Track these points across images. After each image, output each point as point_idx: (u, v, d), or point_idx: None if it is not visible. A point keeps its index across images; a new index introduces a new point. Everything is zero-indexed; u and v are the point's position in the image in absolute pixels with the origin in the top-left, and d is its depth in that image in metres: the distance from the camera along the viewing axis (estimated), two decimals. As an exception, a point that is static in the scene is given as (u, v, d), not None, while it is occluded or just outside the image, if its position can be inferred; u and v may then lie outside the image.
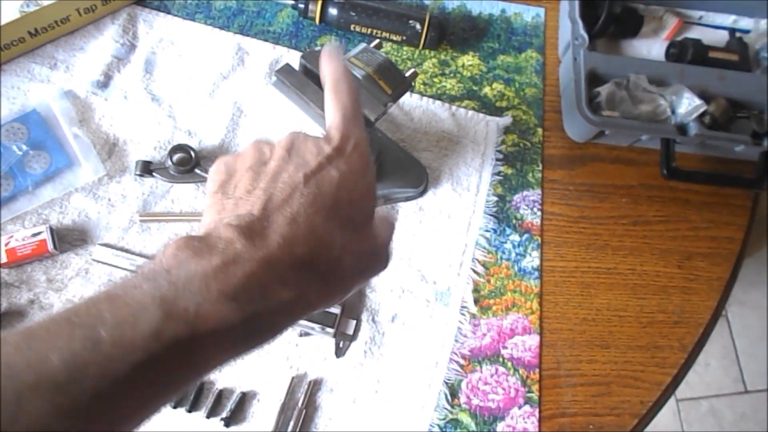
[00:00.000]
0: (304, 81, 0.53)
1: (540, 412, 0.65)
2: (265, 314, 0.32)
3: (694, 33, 0.79)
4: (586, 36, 0.72)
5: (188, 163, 0.68)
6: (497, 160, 0.74)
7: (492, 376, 0.66)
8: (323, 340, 0.65)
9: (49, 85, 0.72)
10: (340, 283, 0.36)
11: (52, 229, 0.64)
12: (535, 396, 0.65)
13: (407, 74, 0.59)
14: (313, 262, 0.33)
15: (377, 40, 0.60)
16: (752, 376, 1.58)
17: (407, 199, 0.71)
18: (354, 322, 0.65)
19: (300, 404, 0.62)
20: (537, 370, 0.66)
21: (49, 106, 0.70)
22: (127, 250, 0.66)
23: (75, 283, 0.65)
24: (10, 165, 0.66)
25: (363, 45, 0.58)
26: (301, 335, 0.64)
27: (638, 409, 0.66)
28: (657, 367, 0.68)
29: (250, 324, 0.31)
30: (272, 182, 0.35)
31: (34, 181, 0.66)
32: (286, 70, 0.54)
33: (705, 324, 0.70)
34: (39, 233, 0.64)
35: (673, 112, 0.71)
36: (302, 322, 0.63)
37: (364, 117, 0.54)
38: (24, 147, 0.67)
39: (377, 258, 0.39)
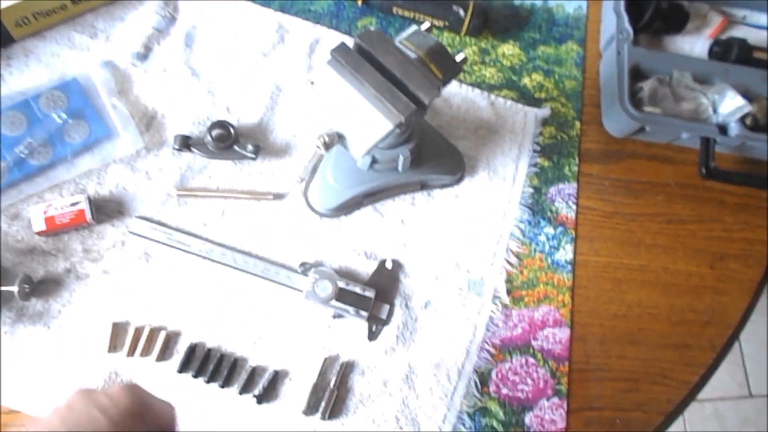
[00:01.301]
0: (359, 60, 0.53)
1: (568, 404, 0.65)
2: None
3: (738, 32, 0.79)
4: (631, 30, 0.72)
5: (227, 140, 0.68)
6: (534, 151, 0.73)
7: (522, 366, 0.66)
8: (356, 323, 0.65)
9: (89, 54, 0.72)
10: None
11: (90, 199, 0.64)
12: (563, 388, 0.65)
13: (457, 59, 0.58)
14: None
15: (428, 24, 0.59)
16: (757, 381, 1.58)
17: (443, 186, 0.71)
18: (387, 306, 0.66)
19: (332, 385, 0.62)
20: (566, 363, 0.66)
21: (89, 76, 0.70)
22: (163, 224, 0.66)
23: (111, 254, 0.65)
24: (50, 133, 0.66)
25: (415, 27, 0.57)
26: (334, 317, 0.65)
27: (665, 407, 0.66)
28: (685, 366, 0.68)
29: None
30: None
31: (73, 150, 0.66)
32: (341, 49, 0.53)
33: (735, 325, 0.70)
34: (77, 203, 0.63)
35: (715, 111, 0.71)
36: (336, 303, 0.63)
37: (418, 100, 0.53)
38: (63, 116, 0.67)
39: None
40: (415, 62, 0.55)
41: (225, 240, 0.67)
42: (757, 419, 1.55)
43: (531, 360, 0.66)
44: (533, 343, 0.67)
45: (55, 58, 0.71)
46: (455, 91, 0.75)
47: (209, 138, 0.67)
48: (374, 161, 0.65)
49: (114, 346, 0.62)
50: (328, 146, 0.55)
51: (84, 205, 0.63)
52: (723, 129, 0.71)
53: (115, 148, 0.68)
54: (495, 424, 0.64)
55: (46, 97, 0.67)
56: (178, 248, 0.65)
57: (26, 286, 0.61)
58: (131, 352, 0.62)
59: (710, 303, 0.70)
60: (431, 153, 0.69)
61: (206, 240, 0.66)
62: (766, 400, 1.58)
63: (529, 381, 0.66)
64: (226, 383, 0.62)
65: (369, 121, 0.53)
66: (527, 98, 0.76)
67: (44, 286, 0.63)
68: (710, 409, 1.55)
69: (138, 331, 0.63)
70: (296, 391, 0.62)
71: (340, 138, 0.55)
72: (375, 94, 0.52)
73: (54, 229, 0.63)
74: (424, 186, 0.70)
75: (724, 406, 1.56)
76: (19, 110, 0.66)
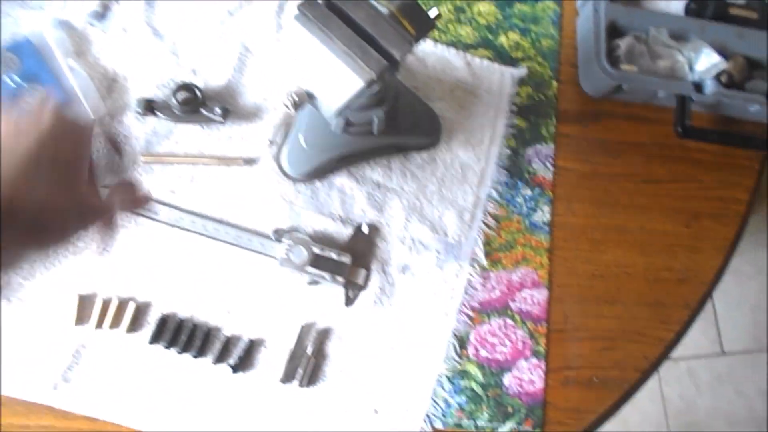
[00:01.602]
0: (328, 15, 0.51)
1: (546, 364, 0.65)
2: None
3: (713, -11, 0.78)
4: (608, -14, 0.70)
5: (193, 103, 0.65)
6: (511, 112, 0.72)
7: (500, 328, 0.66)
8: (333, 290, 0.64)
9: (43, 13, 0.68)
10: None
11: (50, 167, 0.61)
12: (542, 349, 0.65)
13: (431, 15, 0.56)
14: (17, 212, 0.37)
15: (400, -21, 0.57)
16: (729, 339, 1.62)
17: (420, 148, 0.69)
18: (364, 271, 0.64)
19: (309, 352, 0.61)
20: (544, 324, 0.66)
21: (43, 36, 0.66)
22: (129, 192, 0.64)
23: (75, 224, 0.62)
24: (3, 98, 0.63)
25: (387, -18, 0.55)
26: (310, 284, 0.63)
27: (641, 364, 0.67)
28: (661, 323, 0.68)
29: None
30: None
31: (30, 115, 0.63)
32: (310, 4, 0.51)
33: (709, 283, 0.70)
34: (37, 170, 0.60)
35: (691, 68, 0.70)
36: (312, 270, 0.62)
37: (390, 56, 0.51)
38: (17, 79, 0.64)
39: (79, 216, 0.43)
40: (386, 17, 0.52)
41: (195, 207, 0.65)
42: (729, 376, 1.59)
43: (509, 322, 0.66)
44: (511, 305, 0.66)
45: (5, 17, 0.67)
46: (430, 50, 0.73)
47: (175, 101, 0.64)
48: (348, 124, 0.63)
49: (81, 319, 0.60)
50: (297, 105, 0.53)
51: (44, 173, 0.60)
52: (699, 87, 0.70)
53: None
54: (474, 386, 0.63)
55: (-3, 59, 0.64)
56: (145, 216, 0.63)
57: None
58: (99, 324, 0.60)
59: (685, 261, 0.70)
60: (407, 115, 0.67)
61: (175, 207, 0.64)
62: (742, 356, 1.61)
63: (507, 343, 0.65)
64: (200, 353, 0.60)
65: (339, 79, 0.51)
66: (503, 58, 0.74)
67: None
68: (684, 367, 1.59)
69: (106, 303, 0.60)
70: (272, 359, 0.61)
71: (309, 97, 0.53)
72: (345, 50, 0.50)
73: (13, 199, 0.60)
74: (399, 149, 0.69)
75: (698, 363, 1.60)
76: (-31, 74, 0.63)
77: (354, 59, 0.50)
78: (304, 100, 0.53)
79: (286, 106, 0.52)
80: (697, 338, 1.62)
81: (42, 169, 0.39)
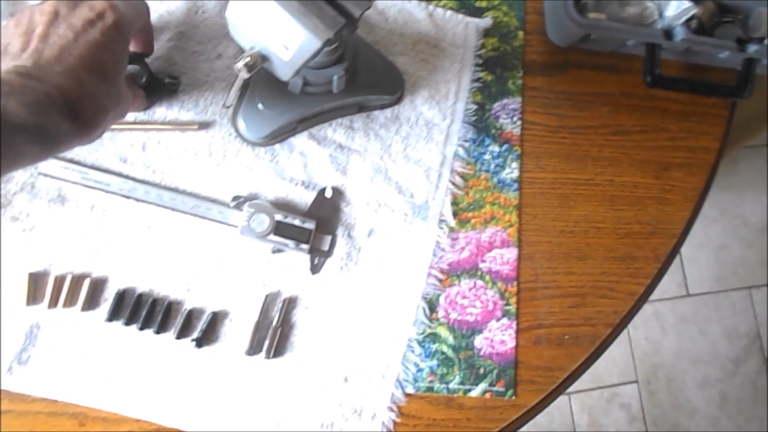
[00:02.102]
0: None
1: (517, 324, 0.65)
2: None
3: (683, -70, 0.75)
4: (574, -71, 0.67)
5: (140, 78, 0.60)
6: (476, 65, 0.69)
7: (470, 289, 0.65)
8: (297, 257, 0.62)
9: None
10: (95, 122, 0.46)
11: (-12, 139, 0.57)
12: (512, 308, 0.65)
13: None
14: (75, 104, 0.44)
15: (355, -75, 0.53)
16: (694, 280, 1.65)
17: (383, 106, 0.66)
18: (329, 237, 0.62)
19: (275, 323, 0.60)
20: (515, 283, 0.65)
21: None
22: (77, 162, 0.60)
23: (20, 199, 0.59)
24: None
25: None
26: (273, 252, 0.61)
27: (612, 319, 0.67)
28: (631, 277, 0.68)
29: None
30: (42, 42, 0.44)
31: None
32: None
33: (679, 234, 0.70)
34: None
35: (660, 15, 0.68)
36: (274, 238, 0.59)
37: (348, 13, 0.48)
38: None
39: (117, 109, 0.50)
40: (342, -31, 0.49)
41: (148, 176, 0.61)
42: (694, 316, 1.63)
43: (479, 282, 0.65)
44: (481, 265, 0.65)
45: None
46: (391, 2, 0.69)
47: None
48: (306, 84, 0.60)
49: (33, 298, 0.57)
50: (251, 68, 0.50)
51: (-19, 146, 0.56)
52: (668, 34, 0.68)
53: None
54: (445, 348, 0.63)
55: None
56: (95, 188, 0.60)
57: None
58: (53, 302, 0.57)
59: (655, 213, 0.70)
60: (368, 72, 0.64)
61: (127, 177, 0.61)
62: (703, 298, 1.65)
63: (477, 304, 0.64)
64: (161, 329, 0.58)
65: (294, 39, 0.48)
66: (468, 8, 0.71)
67: (-54, 239, 0.57)
68: (650, 311, 1.62)
69: (59, 280, 0.58)
70: (237, 331, 0.60)
71: (264, 59, 0.50)
72: (300, 9, 0.46)
73: (-51, 175, 0.56)
74: (362, 108, 0.66)
75: (663, 306, 1.63)
76: None
77: (309, 18, 0.47)
78: (258, 62, 0.50)
79: (240, 71, 0.49)
80: (663, 281, 1.64)
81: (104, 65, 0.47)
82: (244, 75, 0.50)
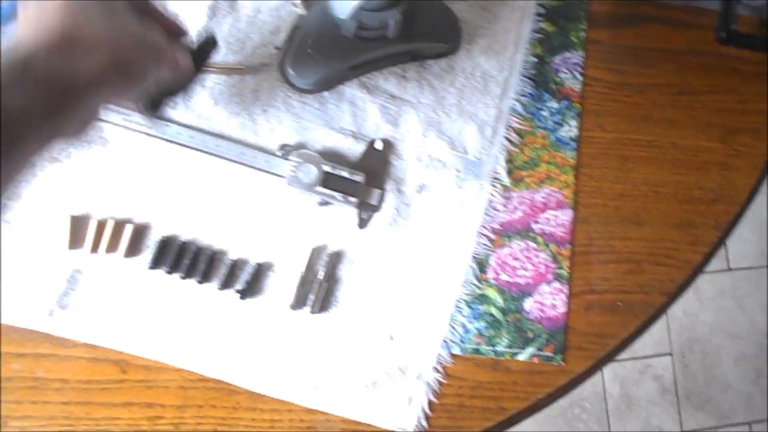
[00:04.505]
0: None
1: (569, 288, 0.62)
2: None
3: None
4: None
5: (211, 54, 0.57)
6: (538, 15, 0.65)
7: (522, 251, 0.62)
8: (345, 211, 0.59)
9: None
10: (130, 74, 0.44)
11: None
12: (565, 272, 0.62)
13: None
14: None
15: None
16: (736, 255, 1.61)
17: (438, 55, 0.63)
18: (378, 191, 0.60)
19: (320, 277, 0.58)
20: (568, 246, 0.63)
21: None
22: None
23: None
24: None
25: None
26: (321, 204, 0.59)
27: (668, 287, 0.64)
28: (690, 245, 0.65)
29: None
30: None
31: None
32: None
33: (742, 203, 0.66)
34: None
35: (740, -34, 0.63)
36: (322, 189, 0.57)
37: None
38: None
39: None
40: None
41: (192, 121, 0.59)
42: (733, 291, 1.59)
43: (531, 244, 0.62)
44: (534, 226, 0.62)
45: None
46: (449, -57, 0.65)
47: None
48: (361, 27, 0.57)
49: (75, 242, 0.56)
50: (308, 4, 0.47)
51: None
52: (747, -14, 0.63)
53: None
54: (494, 311, 0.60)
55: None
56: (138, 131, 0.57)
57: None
58: (95, 247, 0.56)
59: (718, 180, 0.66)
60: (424, 17, 0.60)
61: (170, 121, 0.58)
62: (744, 272, 1.61)
63: (529, 266, 0.62)
64: (205, 279, 0.57)
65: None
66: (530, -47, 0.66)
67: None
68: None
69: (101, 225, 0.56)
70: (282, 284, 0.58)
71: (322, -5, 0.47)
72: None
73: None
74: (415, 56, 0.63)
75: (703, 280, 1.59)
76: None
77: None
78: (315, -3, 0.47)
79: (296, 6, 0.46)
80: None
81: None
82: (300, 11, 0.47)
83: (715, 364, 1.54)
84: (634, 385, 1.49)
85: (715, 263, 1.60)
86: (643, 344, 1.52)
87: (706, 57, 0.68)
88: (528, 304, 0.61)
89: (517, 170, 0.63)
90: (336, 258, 0.59)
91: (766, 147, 0.67)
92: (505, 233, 0.62)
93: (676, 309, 1.56)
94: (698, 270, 0.65)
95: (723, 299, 1.57)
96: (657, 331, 1.54)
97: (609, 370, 1.48)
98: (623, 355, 1.49)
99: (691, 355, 1.53)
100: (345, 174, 0.58)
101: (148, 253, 0.57)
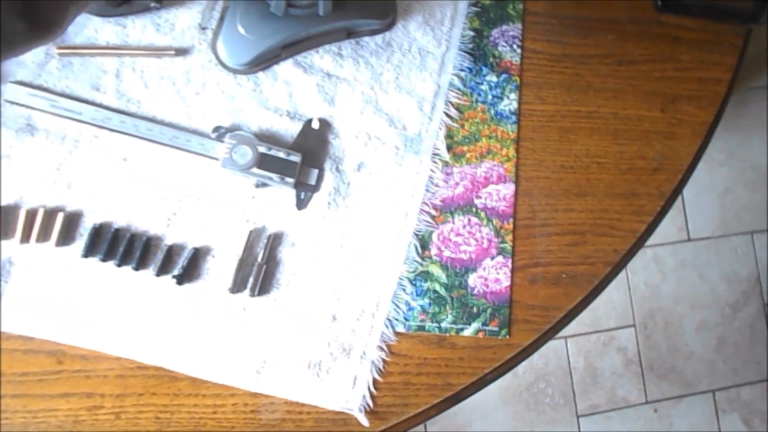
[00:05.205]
0: None
1: (513, 262, 0.62)
2: None
3: None
4: None
5: None
6: (475, -13, 0.65)
7: (464, 227, 0.62)
8: (282, 192, 0.59)
9: None
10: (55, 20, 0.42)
11: (-51, 64, 0.54)
12: (508, 246, 0.62)
13: None
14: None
15: None
16: (696, 225, 1.63)
17: (373, 32, 0.62)
18: (316, 171, 0.59)
19: (260, 259, 0.57)
20: (511, 220, 0.63)
21: None
22: (46, 89, 0.57)
23: (-14, 129, 0.55)
24: None
25: None
26: (257, 186, 0.58)
27: (612, 258, 0.64)
28: (633, 215, 0.65)
29: None
30: None
31: None
32: None
33: (684, 170, 0.67)
34: (-67, 68, 0.53)
35: (674, -68, 0.63)
36: (258, 171, 0.56)
37: None
38: None
39: None
40: None
41: (123, 105, 0.58)
42: (694, 261, 1.61)
43: (474, 219, 0.62)
44: (476, 201, 0.62)
45: None
46: None
47: None
48: (290, 5, 0.56)
49: (5, 233, 0.55)
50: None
51: (-58, 71, 0.53)
52: (682, -47, 0.63)
53: (-27, 0, 0.56)
54: (437, 287, 0.60)
55: None
56: (66, 117, 0.56)
57: None
58: (25, 238, 0.55)
59: (660, 149, 0.66)
60: (356, -8, 0.59)
61: (100, 106, 0.57)
62: (704, 242, 1.63)
63: (472, 241, 0.62)
64: (141, 265, 0.56)
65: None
66: (465, -75, 0.65)
67: None
68: (650, 255, 1.60)
69: (30, 214, 0.55)
70: (220, 268, 0.57)
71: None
72: None
73: None
74: (351, 33, 0.62)
75: (664, 250, 1.61)
76: None
77: None
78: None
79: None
80: (664, 225, 1.62)
81: None
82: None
83: (678, 334, 1.56)
84: (598, 357, 1.51)
85: (676, 234, 1.61)
86: (606, 317, 1.54)
87: (645, 25, 0.68)
88: (472, 280, 0.61)
89: (457, 145, 0.63)
90: (275, 240, 0.58)
91: (706, 114, 0.68)
92: (446, 209, 0.62)
93: (638, 281, 1.57)
94: (642, 239, 0.65)
95: (684, 269, 1.59)
96: (619, 304, 1.55)
97: (573, 344, 1.50)
98: (586, 329, 1.52)
99: (653, 325, 1.55)
100: (281, 155, 0.57)
101: (81, 242, 0.56)
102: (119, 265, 0.55)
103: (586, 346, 1.51)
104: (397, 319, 0.59)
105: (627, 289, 1.56)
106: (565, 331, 0.63)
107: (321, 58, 0.61)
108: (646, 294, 1.57)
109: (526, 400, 1.49)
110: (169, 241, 0.57)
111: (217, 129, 0.58)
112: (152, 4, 0.58)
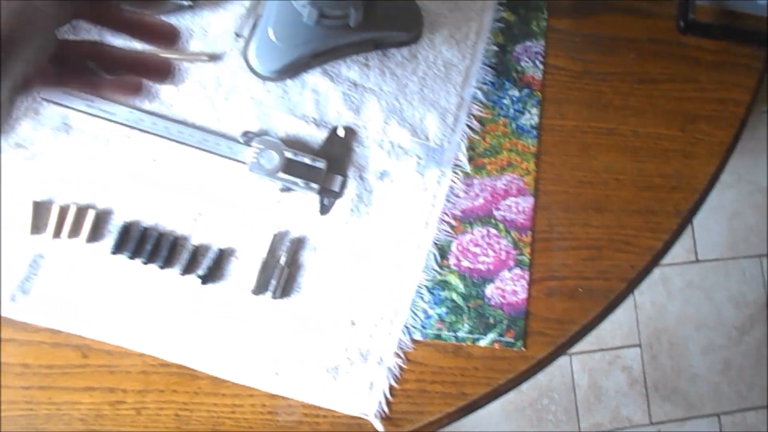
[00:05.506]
0: None
1: (530, 274, 0.63)
2: None
3: None
4: None
5: None
6: (499, 4, 0.66)
7: (483, 237, 0.63)
8: (307, 197, 0.60)
9: None
10: None
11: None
12: (526, 258, 0.63)
13: None
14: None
15: None
16: (704, 246, 1.63)
17: (400, 44, 0.64)
18: (340, 178, 0.60)
19: (282, 263, 0.58)
20: (529, 233, 0.63)
21: None
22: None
23: (24, 126, 0.57)
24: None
25: None
26: (282, 190, 0.59)
27: (628, 274, 0.65)
28: (650, 232, 0.66)
29: None
30: None
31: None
32: None
33: (702, 190, 0.68)
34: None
35: (698, -44, 0.65)
36: (284, 175, 0.57)
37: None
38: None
39: None
40: None
41: (155, 108, 0.59)
42: (702, 282, 1.61)
43: (493, 231, 0.63)
44: (495, 213, 0.63)
45: None
46: (412, -67, 0.65)
47: None
48: (322, 15, 0.57)
49: (37, 228, 0.56)
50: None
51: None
52: (705, -23, 0.64)
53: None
54: (455, 297, 0.61)
55: None
56: (100, 117, 0.58)
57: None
58: (57, 233, 0.56)
59: (678, 167, 0.67)
60: (386, 7, 0.61)
61: (133, 108, 0.58)
62: (712, 264, 1.63)
63: (490, 252, 0.63)
64: (167, 264, 0.57)
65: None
66: (493, -57, 0.67)
67: (-53, 163, 0.55)
68: (658, 275, 1.61)
69: (63, 210, 0.56)
70: (244, 270, 0.58)
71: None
72: None
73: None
74: (378, 44, 0.63)
75: (671, 271, 1.61)
76: None
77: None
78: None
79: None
80: (672, 246, 1.63)
81: None
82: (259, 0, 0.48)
83: (683, 355, 1.56)
84: (603, 376, 1.51)
85: (684, 255, 1.62)
86: (612, 335, 1.54)
87: (666, 46, 0.69)
88: (489, 290, 0.62)
89: (478, 157, 0.64)
90: (298, 244, 0.59)
91: (725, 135, 0.68)
92: (466, 220, 0.63)
93: (645, 300, 1.57)
94: (658, 257, 0.66)
95: (691, 290, 1.59)
96: (625, 323, 1.55)
97: (577, 361, 1.50)
98: (592, 347, 1.52)
99: (659, 346, 1.55)
100: (307, 160, 0.59)
101: (110, 239, 0.57)
102: (146, 263, 0.57)
103: (590, 364, 1.51)
104: (414, 327, 0.60)
105: (633, 308, 1.57)
106: (570, 348, 0.64)
107: (348, 68, 0.63)
108: (653, 314, 1.57)
109: (529, 415, 1.49)
110: (195, 241, 0.58)
111: (245, 133, 0.59)
112: (185, 3, 0.59)
